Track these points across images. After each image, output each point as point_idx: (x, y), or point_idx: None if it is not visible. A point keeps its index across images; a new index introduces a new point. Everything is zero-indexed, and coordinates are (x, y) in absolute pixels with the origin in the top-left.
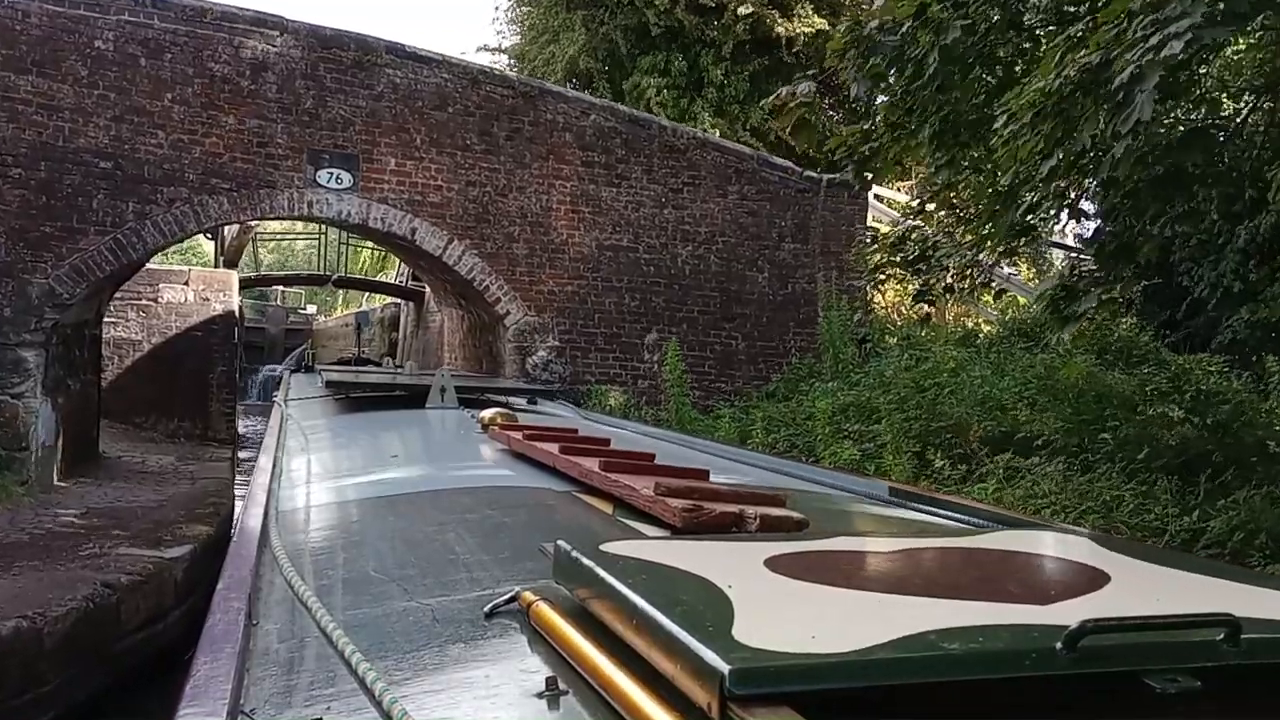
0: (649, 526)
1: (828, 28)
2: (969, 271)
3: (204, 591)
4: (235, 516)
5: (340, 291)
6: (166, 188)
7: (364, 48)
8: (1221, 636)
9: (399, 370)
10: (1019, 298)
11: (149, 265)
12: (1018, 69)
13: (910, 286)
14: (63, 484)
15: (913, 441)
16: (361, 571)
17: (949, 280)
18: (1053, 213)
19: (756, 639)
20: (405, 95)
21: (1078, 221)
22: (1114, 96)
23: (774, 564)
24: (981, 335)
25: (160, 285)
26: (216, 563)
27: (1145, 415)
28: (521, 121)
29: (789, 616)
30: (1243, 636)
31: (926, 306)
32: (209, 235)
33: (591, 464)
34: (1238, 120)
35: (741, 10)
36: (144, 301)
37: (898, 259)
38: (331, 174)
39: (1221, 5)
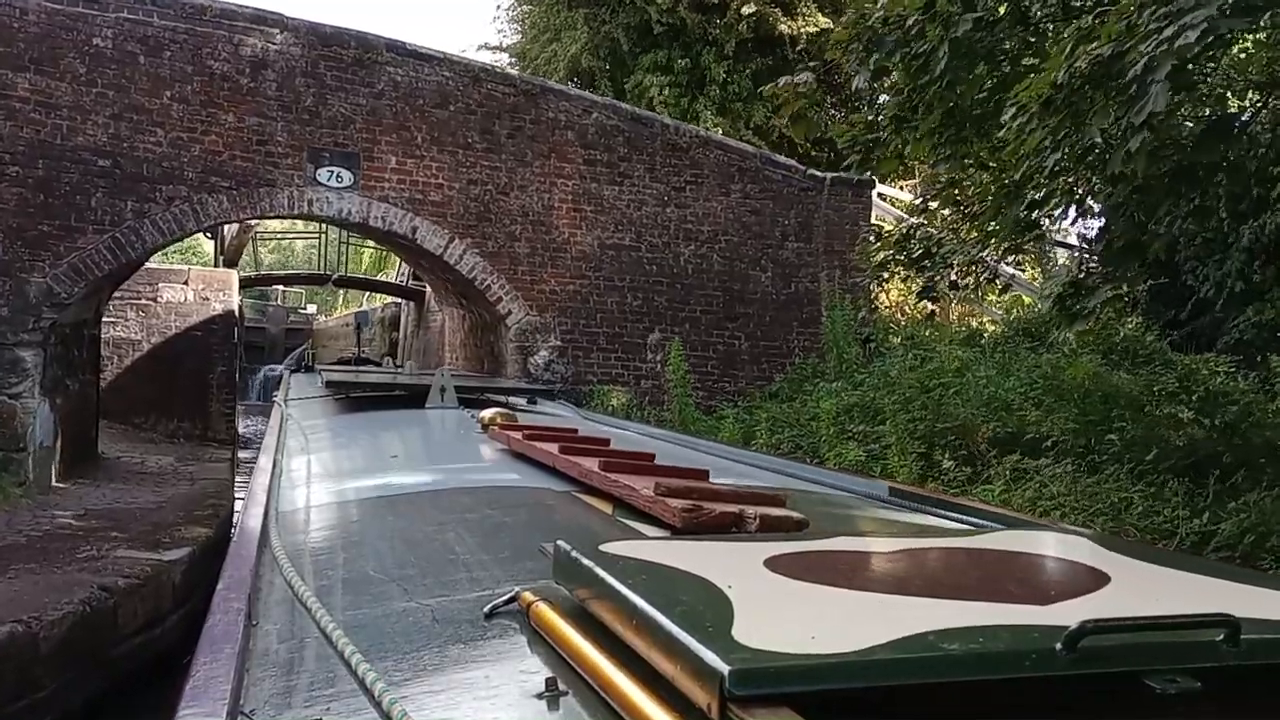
0: (649, 527)
1: (831, 26)
2: (973, 268)
3: (202, 594)
4: (235, 517)
5: (340, 291)
6: (165, 186)
7: (364, 45)
8: (1221, 637)
9: (399, 370)
10: (1024, 297)
11: (148, 264)
12: (1023, 63)
13: (914, 285)
14: (61, 485)
15: (918, 442)
16: (361, 572)
17: (953, 277)
18: (1059, 209)
19: (756, 639)
20: (406, 93)
21: (1083, 219)
22: (1126, 89)
23: (774, 564)
24: (986, 335)
25: (160, 285)
26: (216, 563)
27: (1153, 416)
28: (523, 120)
29: (789, 617)
30: (1242, 637)
31: (930, 304)
32: (209, 234)
33: (591, 464)
34: (1244, 118)
35: (745, 9)
36: (143, 301)
37: (902, 256)
38: (332, 172)
39: None
